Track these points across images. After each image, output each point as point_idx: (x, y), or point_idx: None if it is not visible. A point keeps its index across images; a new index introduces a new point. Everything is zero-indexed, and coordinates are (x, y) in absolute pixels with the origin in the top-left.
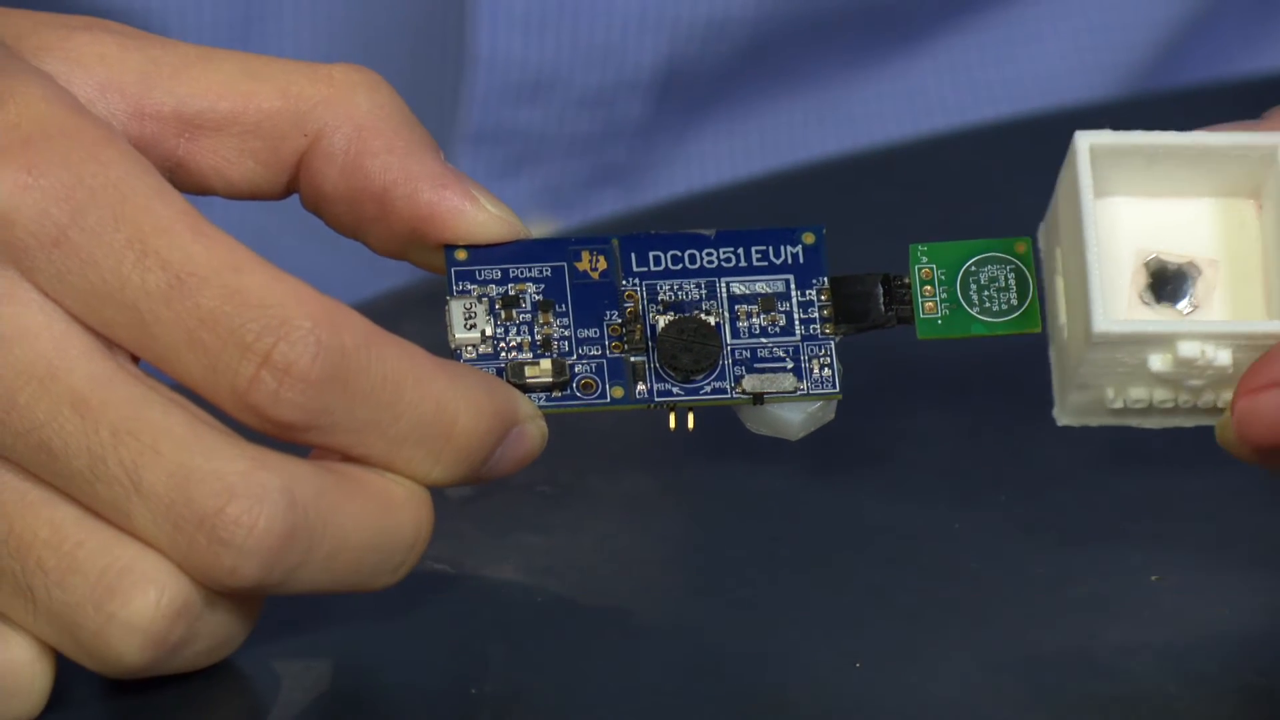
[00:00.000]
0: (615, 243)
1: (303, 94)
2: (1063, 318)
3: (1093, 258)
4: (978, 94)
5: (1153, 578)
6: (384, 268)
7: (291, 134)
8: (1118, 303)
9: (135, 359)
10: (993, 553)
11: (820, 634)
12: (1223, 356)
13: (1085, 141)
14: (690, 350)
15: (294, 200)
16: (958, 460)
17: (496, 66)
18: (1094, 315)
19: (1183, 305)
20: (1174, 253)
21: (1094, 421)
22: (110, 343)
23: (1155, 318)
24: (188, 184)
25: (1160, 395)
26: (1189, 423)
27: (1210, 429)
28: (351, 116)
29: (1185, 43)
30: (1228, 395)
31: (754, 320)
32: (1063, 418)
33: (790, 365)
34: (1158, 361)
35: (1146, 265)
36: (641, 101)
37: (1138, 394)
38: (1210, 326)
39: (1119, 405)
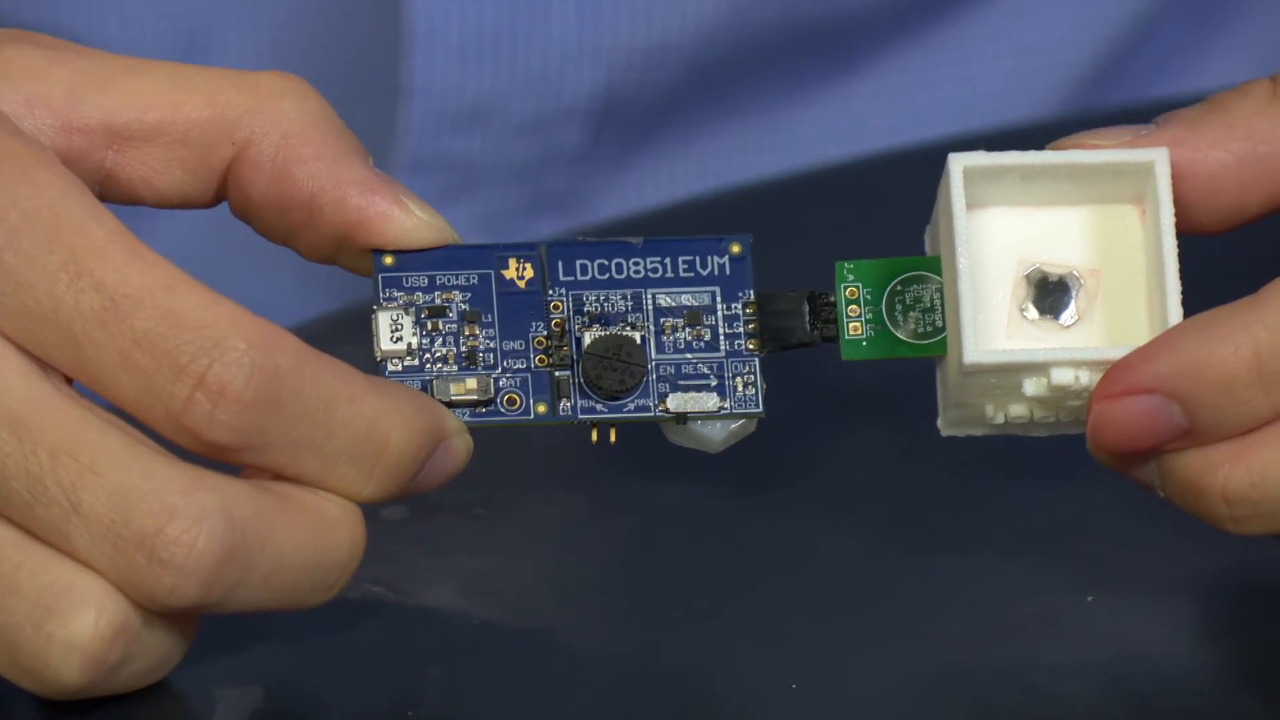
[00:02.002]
0: (542, 249)
1: (230, 102)
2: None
3: (965, 287)
4: (916, 116)
5: (1089, 598)
6: (319, 291)
7: (220, 142)
8: (996, 319)
9: (70, 381)
10: (929, 574)
11: (756, 654)
12: (1097, 380)
13: (959, 164)
14: (615, 371)
15: (229, 224)
16: (892, 481)
17: (433, 95)
18: (965, 345)
19: (1065, 317)
20: (1056, 263)
21: (977, 432)
22: (45, 365)
23: (1036, 331)
24: (117, 195)
25: (1040, 413)
26: (1073, 431)
27: None
28: (279, 124)
29: (1119, 62)
30: None
31: (679, 334)
32: (946, 429)
33: (714, 383)
34: (1031, 386)
35: (1028, 277)
36: (579, 129)
37: (1018, 411)
38: (1082, 353)
39: (1000, 421)
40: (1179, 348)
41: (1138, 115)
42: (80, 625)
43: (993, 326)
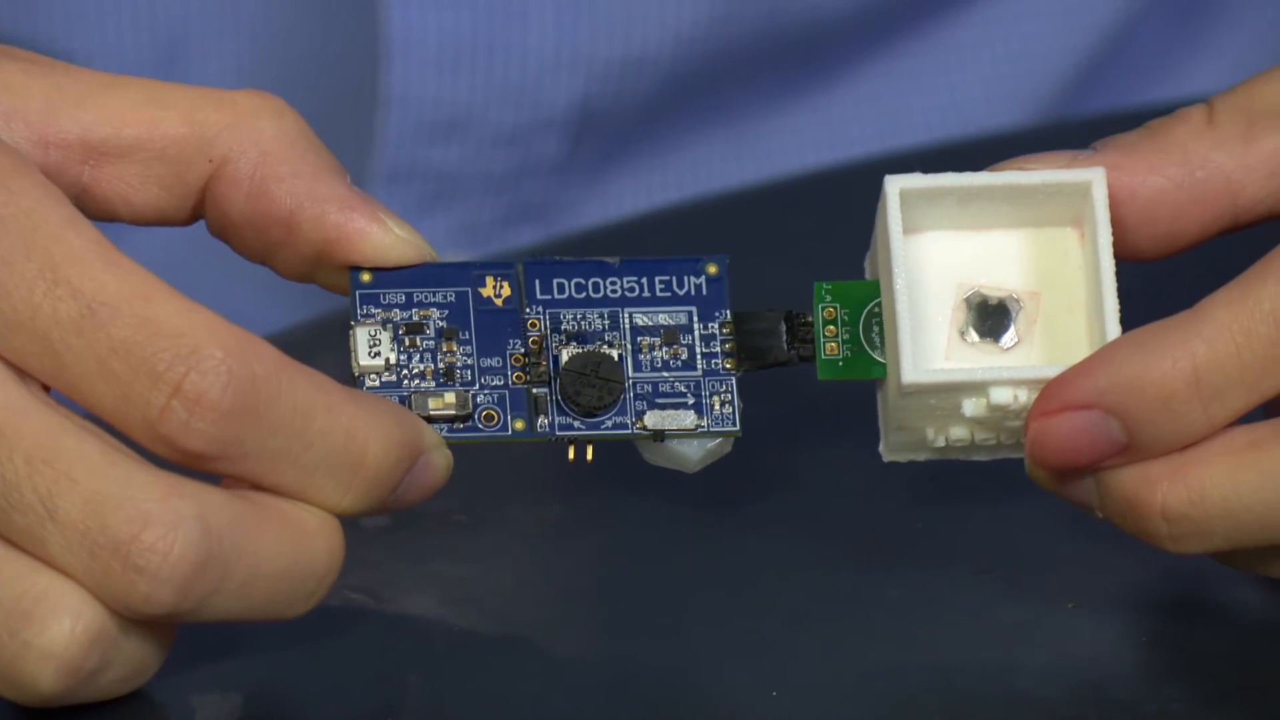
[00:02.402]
0: (519, 268)
1: (207, 120)
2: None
3: (902, 307)
4: (897, 124)
5: (1069, 604)
6: (297, 300)
7: (197, 160)
8: (935, 342)
9: (47, 388)
10: (910, 580)
11: (737, 662)
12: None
13: (895, 186)
14: (593, 387)
15: (205, 232)
16: (873, 489)
17: (410, 106)
18: (903, 365)
19: (1005, 339)
20: (995, 286)
21: (920, 457)
22: (22, 372)
23: (976, 354)
24: (93, 211)
25: (981, 435)
26: (1016, 454)
27: None
28: (256, 142)
29: (1101, 69)
30: None
31: (656, 353)
32: (888, 454)
33: (691, 401)
34: (970, 406)
35: (967, 301)
36: (557, 140)
37: (959, 434)
38: (1020, 372)
39: (941, 444)
40: (1116, 363)
41: (1119, 122)
42: (56, 632)
43: (932, 349)
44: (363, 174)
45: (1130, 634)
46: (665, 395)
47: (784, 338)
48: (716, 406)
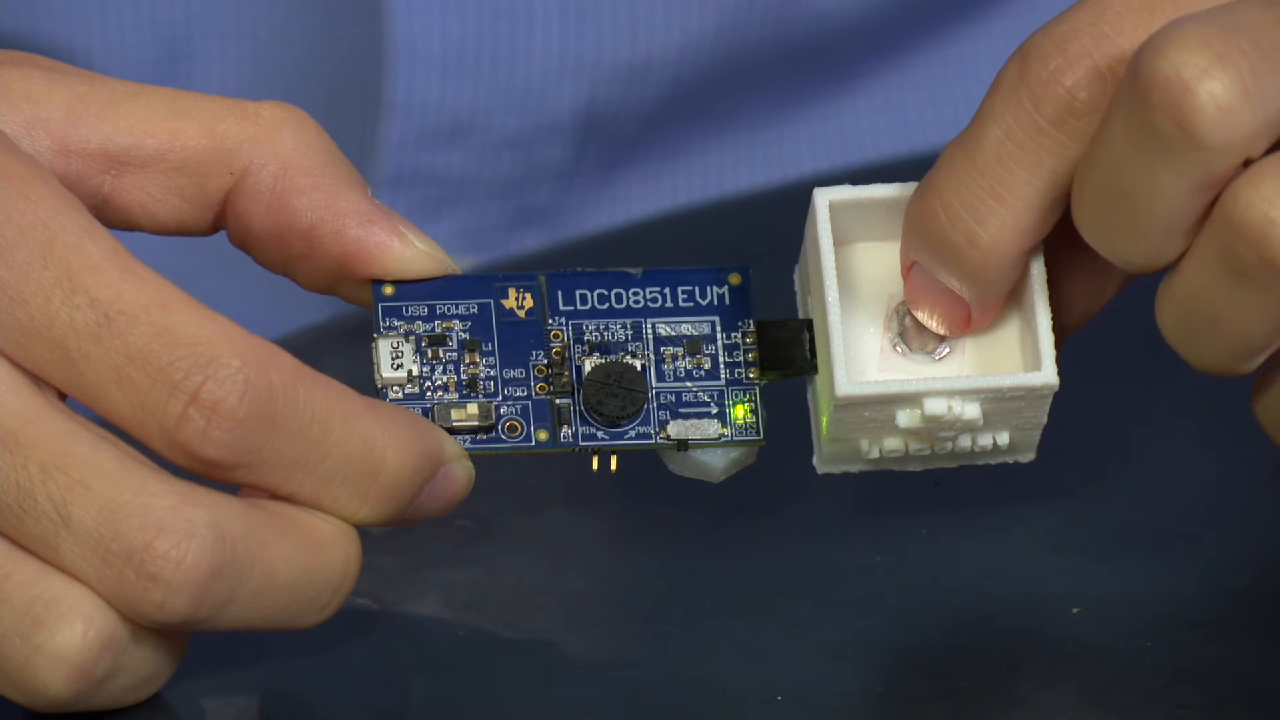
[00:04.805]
0: (542, 280)
1: (229, 132)
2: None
3: (834, 319)
4: (910, 132)
5: (1074, 610)
6: (302, 305)
7: (218, 171)
8: (868, 353)
9: (64, 396)
10: (913, 586)
11: (742, 667)
12: (970, 410)
13: (824, 199)
14: (616, 397)
15: (210, 236)
16: (878, 494)
17: (414, 110)
18: (836, 377)
19: (937, 350)
20: None
21: (854, 469)
22: (39, 379)
23: (909, 365)
24: (114, 220)
25: (915, 445)
26: (950, 464)
27: (1122, 456)
28: (278, 154)
29: None
30: (984, 439)
31: (679, 363)
32: (822, 466)
33: (715, 411)
34: (905, 418)
35: (897, 311)
36: (562, 145)
37: (893, 445)
38: (954, 382)
39: (875, 455)
40: None
41: None
42: (68, 637)
43: (864, 360)
44: (366, 178)
45: (1134, 640)
46: (688, 405)
47: (808, 347)
48: (740, 416)
